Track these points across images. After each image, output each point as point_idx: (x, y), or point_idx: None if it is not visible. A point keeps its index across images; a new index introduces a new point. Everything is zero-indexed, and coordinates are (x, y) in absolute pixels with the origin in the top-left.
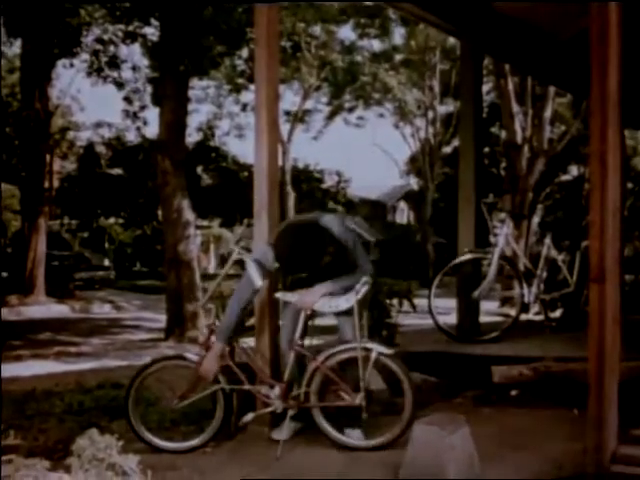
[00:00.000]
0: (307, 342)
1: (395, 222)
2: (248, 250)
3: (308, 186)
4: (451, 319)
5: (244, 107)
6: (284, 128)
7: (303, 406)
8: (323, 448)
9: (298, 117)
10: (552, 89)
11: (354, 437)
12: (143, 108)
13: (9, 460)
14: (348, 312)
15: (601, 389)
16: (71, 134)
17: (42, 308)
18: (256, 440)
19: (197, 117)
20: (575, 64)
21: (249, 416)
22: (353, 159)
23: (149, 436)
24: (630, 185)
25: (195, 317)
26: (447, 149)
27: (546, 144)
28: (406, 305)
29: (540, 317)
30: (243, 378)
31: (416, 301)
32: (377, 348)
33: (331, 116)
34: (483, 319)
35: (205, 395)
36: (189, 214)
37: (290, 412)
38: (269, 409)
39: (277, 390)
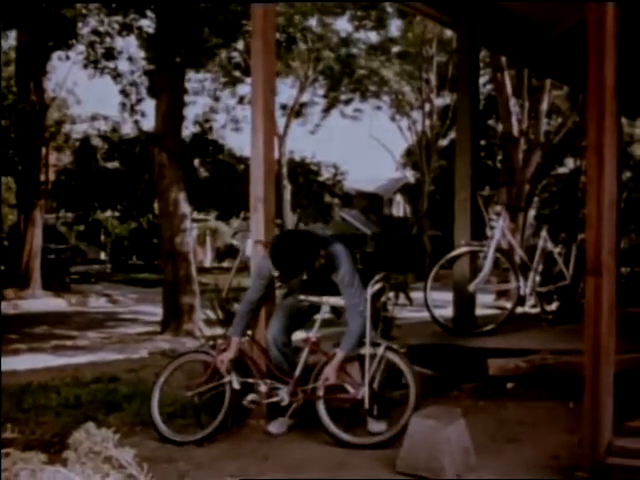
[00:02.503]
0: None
1: (391, 215)
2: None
3: (305, 179)
4: (447, 312)
5: (240, 100)
6: (281, 121)
7: (309, 399)
8: (320, 441)
9: (294, 110)
10: (549, 81)
11: (376, 428)
12: (140, 101)
13: (6, 453)
14: None
15: (597, 381)
16: (67, 127)
17: (38, 302)
18: (252, 433)
19: (194, 110)
20: (572, 56)
21: (250, 397)
22: (350, 152)
23: (165, 429)
24: (629, 174)
25: (192, 310)
26: (443, 142)
27: (542, 137)
28: (402, 298)
29: (536, 310)
30: (255, 371)
31: (412, 294)
32: (385, 344)
33: (328, 109)
34: (479, 312)
35: (215, 387)
36: (185, 207)
37: (294, 405)
38: (274, 399)
39: (289, 385)
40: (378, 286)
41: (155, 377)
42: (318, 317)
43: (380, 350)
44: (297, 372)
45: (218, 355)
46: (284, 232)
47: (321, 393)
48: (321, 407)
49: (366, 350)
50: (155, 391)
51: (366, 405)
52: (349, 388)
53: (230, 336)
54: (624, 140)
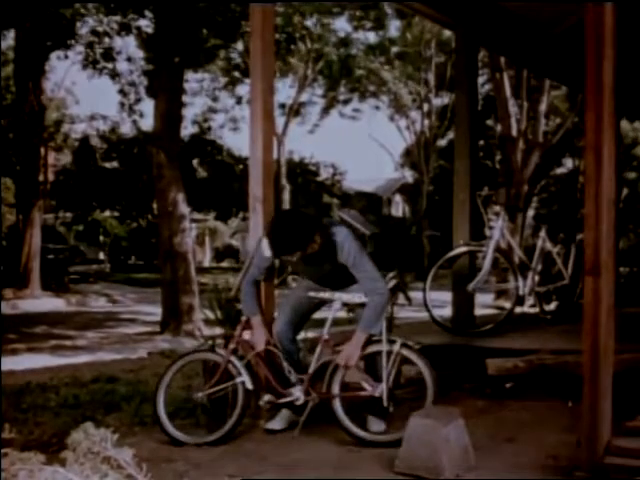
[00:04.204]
0: (310, 334)
1: (390, 215)
2: None
3: (303, 179)
4: (446, 312)
5: (239, 100)
6: (279, 121)
7: (324, 397)
8: (318, 441)
9: (293, 110)
10: (547, 82)
11: (376, 428)
12: (138, 101)
13: (4, 454)
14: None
15: (595, 381)
16: (66, 127)
17: (37, 302)
18: (251, 433)
19: (192, 110)
20: (570, 56)
21: (266, 397)
22: (348, 152)
23: (172, 429)
24: (633, 175)
25: (191, 310)
26: (442, 142)
27: (541, 137)
28: (401, 298)
29: (535, 310)
30: (262, 367)
31: (411, 294)
32: (401, 341)
33: (326, 109)
34: (478, 312)
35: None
36: (184, 207)
37: (310, 404)
38: (289, 399)
39: (303, 383)
40: (393, 283)
41: (160, 376)
42: (330, 315)
43: (396, 347)
44: (311, 370)
45: (227, 354)
46: (284, 210)
47: (337, 391)
48: (337, 405)
49: (383, 347)
50: (160, 391)
51: (385, 402)
52: (365, 385)
53: (248, 318)
54: (628, 142)
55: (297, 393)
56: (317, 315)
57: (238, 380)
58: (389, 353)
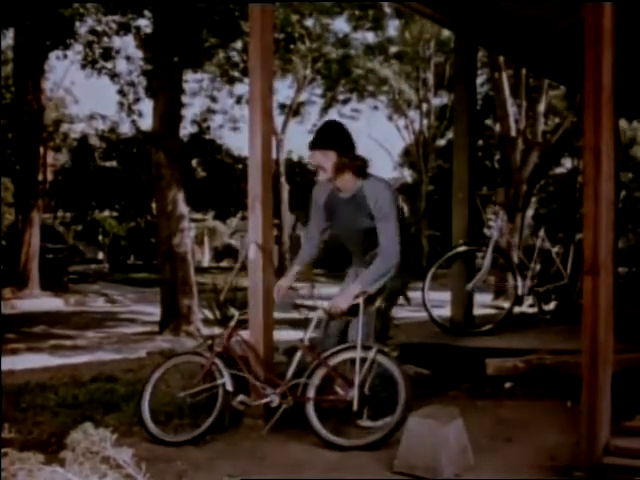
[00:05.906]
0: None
1: None
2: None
3: (302, 178)
4: (445, 312)
5: (238, 100)
6: (278, 120)
7: (299, 400)
8: (318, 441)
9: (292, 109)
10: (546, 81)
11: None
12: (137, 100)
13: (4, 453)
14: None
15: (594, 381)
16: (65, 126)
17: (36, 301)
18: (250, 433)
19: (191, 110)
20: (569, 56)
21: (239, 397)
22: None
23: (155, 429)
24: (630, 175)
25: (190, 310)
26: (441, 142)
27: (540, 137)
28: (400, 298)
29: (534, 309)
30: (245, 371)
31: (410, 294)
32: (377, 347)
33: (326, 108)
34: (477, 311)
35: (209, 389)
36: (183, 207)
37: (283, 407)
38: (264, 400)
39: (279, 388)
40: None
41: (146, 378)
42: (313, 321)
43: (371, 353)
44: (289, 374)
45: (211, 356)
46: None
47: (311, 395)
48: (310, 409)
49: (357, 353)
50: (146, 392)
51: (355, 407)
52: (339, 390)
53: (236, 323)
54: (626, 141)
55: (272, 396)
56: None
57: (219, 382)
58: (363, 360)
